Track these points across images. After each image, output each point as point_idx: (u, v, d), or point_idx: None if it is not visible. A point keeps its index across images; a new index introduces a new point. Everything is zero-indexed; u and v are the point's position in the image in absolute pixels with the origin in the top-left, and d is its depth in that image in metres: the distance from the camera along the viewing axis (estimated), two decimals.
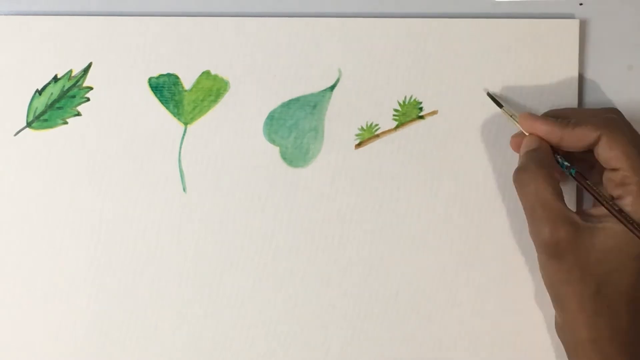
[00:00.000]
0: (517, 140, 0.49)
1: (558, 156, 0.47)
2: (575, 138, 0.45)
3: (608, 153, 0.44)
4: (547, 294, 0.51)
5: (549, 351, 0.51)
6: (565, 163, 0.46)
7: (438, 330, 0.51)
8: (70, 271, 0.51)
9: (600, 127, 0.45)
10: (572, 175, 0.46)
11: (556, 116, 0.47)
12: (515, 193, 0.49)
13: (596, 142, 0.45)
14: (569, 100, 0.51)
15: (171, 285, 0.51)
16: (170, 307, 0.51)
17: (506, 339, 0.51)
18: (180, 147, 0.52)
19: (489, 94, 0.51)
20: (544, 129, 0.46)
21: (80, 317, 0.51)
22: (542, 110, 0.51)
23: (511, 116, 0.49)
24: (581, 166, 0.47)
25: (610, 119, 0.46)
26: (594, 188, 0.45)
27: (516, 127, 0.49)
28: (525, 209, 0.46)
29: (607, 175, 0.46)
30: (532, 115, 0.47)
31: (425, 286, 0.51)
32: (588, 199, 0.52)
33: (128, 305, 0.51)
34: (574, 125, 0.46)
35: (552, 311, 0.51)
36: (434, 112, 0.52)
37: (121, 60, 0.52)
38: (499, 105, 0.50)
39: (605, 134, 0.45)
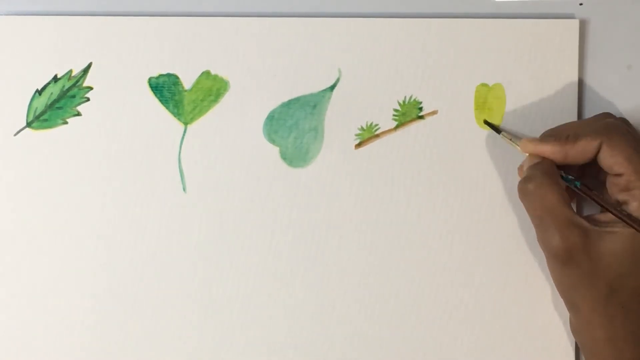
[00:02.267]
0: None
1: (561, 171, 0.47)
2: (579, 151, 0.45)
3: (610, 159, 0.44)
4: (549, 293, 0.51)
5: (548, 350, 0.51)
6: (569, 177, 0.46)
7: (438, 330, 0.51)
8: (70, 271, 0.51)
9: (599, 134, 0.45)
10: (577, 188, 0.46)
11: (553, 135, 0.47)
12: (516, 192, 0.49)
13: (598, 151, 0.45)
14: (569, 100, 0.51)
15: (171, 284, 0.51)
16: (170, 306, 0.51)
17: (506, 339, 0.51)
18: (180, 147, 0.52)
19: (486, 122, 0.51)
20: (548, 150, 0.46)
21: (80, 317, 0.51)
22: (543, 110, 0.51)
23: (510, 140, 0.49)
24: (584, 177, 0.47)
25: (608, 123, 0.46)
26: (601, 197, 0.45)
27: (517, 151, 0.49)
28: (532, 218, 0.46)
29: (611, 180, 0.45)
30: (533, 140, 0.47)
31: (426, 286, 0.51)
32: (591, 205, 0.52)
33: (128, 305, 0.51)
34: (574, 139, 0.45)
35: (550, 310, 0.51)
36: (434, 112, 0.52)
37: (121, 60, 0.52)
38: (497, 131, 0.50)
39: (605, 141, 0.44)
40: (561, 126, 0.48)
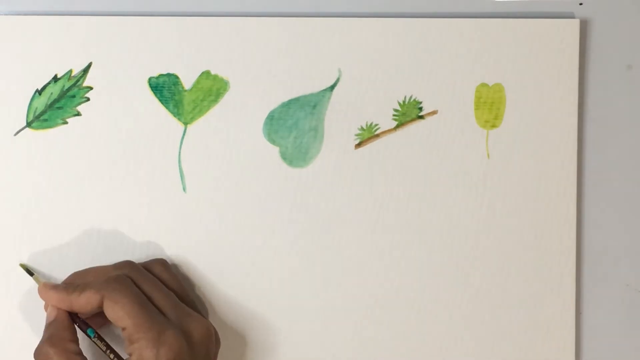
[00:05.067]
0: (45, 304, 0.48)
1: (78, 319, 0.47)
2: (82, 303, 0.45)
3: (112, 313, 0.45)
4: (549, 293, 0.51)
5: (549, 350, 0.51)
6: (86, 326, 0.47)
7: (438, 330, 0.51)
8: (70, 271, 0.51)
9: (102, 288, 0.45)
10: (90, 337, 0.46)
11: (69, 281, 0.48)
12: (517, 192, 0.49)
13: (101, 304, 0.45)
14: (569, 100, 0.51)
15: None
16: None
17: (506, 339, 0.51)
18: (180, 147, 0.52)
19: (21, 265, 0.51)
20: (55, 298, 0.46)
21: None
22: (543, 110, 0.51)
23: (39, 281, 0.49)
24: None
25: (113, 278, 0.46)
26: (110, 348, 0.46)
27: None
28: None
29: (122, 333, 0.45)
30: (49, 285, 0.47)
31: (426, 286, 0.51)
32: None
33: None
34: (80, 290, 0.46)
35: (551, 310, 0.51)
36: (434, 112, 0.52)
37: (121, 60, 0.52)
38: (31, 274, 0.50)
39: (106, 296, 0.45)
40: (85, 271, 0.48)
